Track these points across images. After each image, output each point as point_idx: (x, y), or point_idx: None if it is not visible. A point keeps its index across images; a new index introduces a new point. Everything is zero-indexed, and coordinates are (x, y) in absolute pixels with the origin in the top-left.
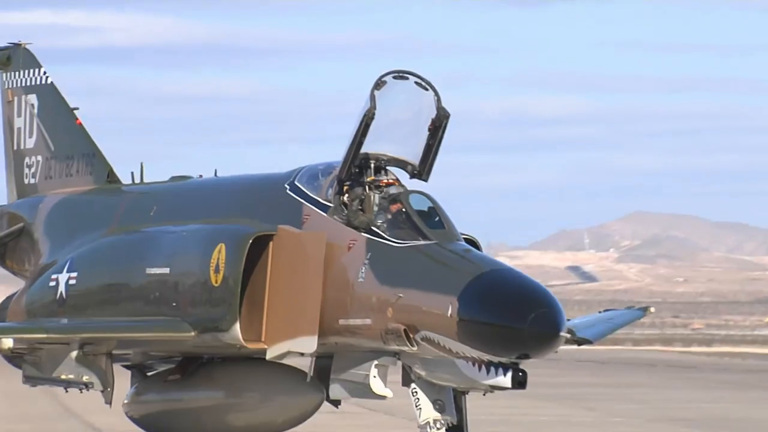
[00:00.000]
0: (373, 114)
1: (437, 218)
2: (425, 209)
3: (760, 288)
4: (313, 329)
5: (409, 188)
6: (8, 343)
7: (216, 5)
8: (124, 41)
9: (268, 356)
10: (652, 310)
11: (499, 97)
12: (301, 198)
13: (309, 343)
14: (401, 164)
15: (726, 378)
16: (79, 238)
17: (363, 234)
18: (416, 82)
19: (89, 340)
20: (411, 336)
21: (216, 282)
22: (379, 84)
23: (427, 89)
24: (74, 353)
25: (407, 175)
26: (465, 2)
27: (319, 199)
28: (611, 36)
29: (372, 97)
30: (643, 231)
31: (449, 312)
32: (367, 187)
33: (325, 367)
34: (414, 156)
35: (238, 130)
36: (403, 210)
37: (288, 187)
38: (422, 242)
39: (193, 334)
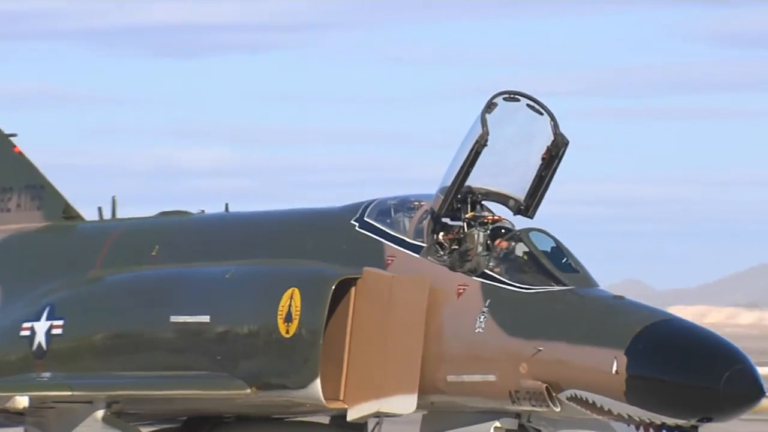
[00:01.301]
0: (486, 141)
1: (565, 259)
2: (548, 249)
3: None
4: (413, 387)
5: (526, 226)
6: (23, 402)
7: None
8: None
9: (350, 417)
10: None
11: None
12: (379, 236)
13: (407, 403)
14: (502, 199)
15: None
16: (47, 283)
17: (474, 278)
18: (529, 105)
19: (119, 398)
20: (554, 395)
21: (287, 333)
22: (490, 106)
23: (541, 113)
24: (100, 413)
25: (509, 212)
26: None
27: (405, 239)
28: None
29: (484, 122)
30: None
31: (614, 368)
32: (466, 225)
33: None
34: (519, 189)
35: None
36: (527, 251)
37: (357, 224)
38: (557, 288)
39: (248, 391)
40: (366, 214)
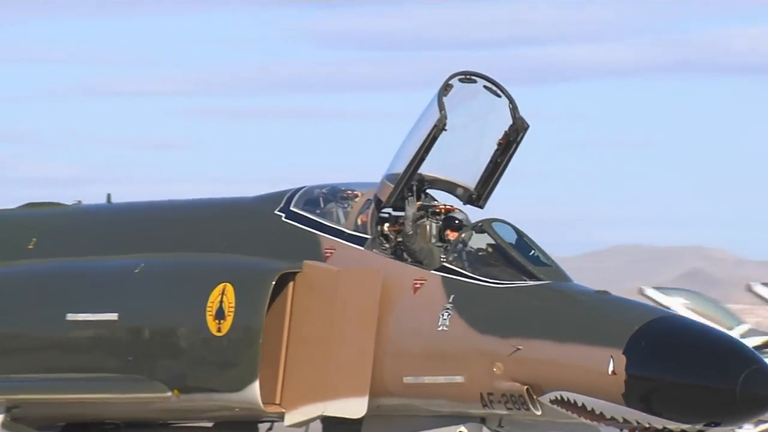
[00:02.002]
0: (445, 125)
1: (533, 252)
2: (513, 241)
3: None
4: (363, 389)
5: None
6: None
7: None
8: None
9: (288, 422)
10: None
11: None
12: (312, 228)
13: (356, 406)
14: (450, 187)
15: None
16: None
17: (433, 272)
18: (486, 87)
19: (19, 403)
20: (535, 397)
21: (218, 331)
22: (446, 88)
23: (499, 96)
24: None
25: (457, 201)
26: None
27: (345, 230)
28: None
29: (441, 105)
30: None
31: (610, 368)
32: (411, 214)
33: None
34: (470, 177)
35: None
36: (492, 243)
37: (283, 214)
38: (532, 282)
39: (169, 394)
40: (292, 204)
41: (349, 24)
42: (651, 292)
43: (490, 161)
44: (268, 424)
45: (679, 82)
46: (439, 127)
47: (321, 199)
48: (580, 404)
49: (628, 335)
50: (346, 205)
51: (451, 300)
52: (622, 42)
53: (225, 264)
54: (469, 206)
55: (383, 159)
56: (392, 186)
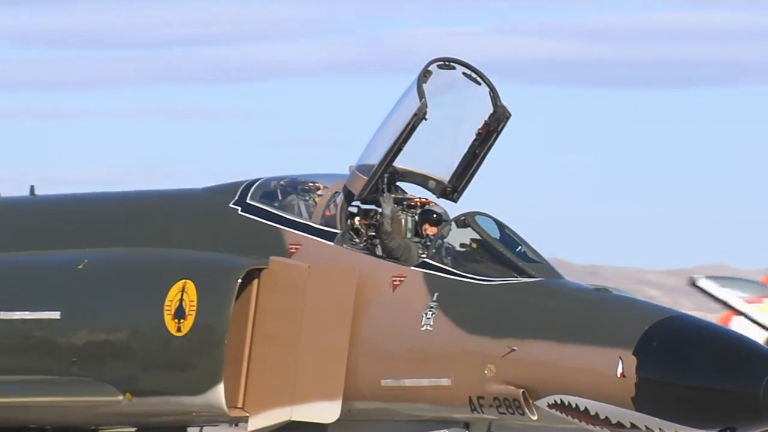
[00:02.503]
0: (425, 114)
1: (520, 248)
2: (498, 236)
3: None
4: (335, 392)
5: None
6: None
7: None
8: None
9: (251, 427)
10: None
11: None
12: (274, 222)
13: (328, 410)
14: (422, 180)
15: None
16: None
17: (413, 269)
18: (465, 74)
19: None
20: (531, 401)
21: (178, 331)
22: (426, 74)
23: (479, 83)
24: None
25: (430, 194)
26: None
27: (311, 224)
28: None
29: (421, 92)
30: None
31: (618, 370)
32: (389, 211)
33: None
34: (445, 169)
35: None
36: (477, 238)
37: (239, 207)
38: (523, 279)
39: (121, 398)
40: (249, 197)
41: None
42: (704, 283)
43: (468, 152)
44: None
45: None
46: (419, 116)
47: (279, 191)
48: (582, 408)
49: (639, 335)
50: (308, 198)
51: (435, 298)
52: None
53: (183, 259)
54: (441, 200)
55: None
56: (366, 178)
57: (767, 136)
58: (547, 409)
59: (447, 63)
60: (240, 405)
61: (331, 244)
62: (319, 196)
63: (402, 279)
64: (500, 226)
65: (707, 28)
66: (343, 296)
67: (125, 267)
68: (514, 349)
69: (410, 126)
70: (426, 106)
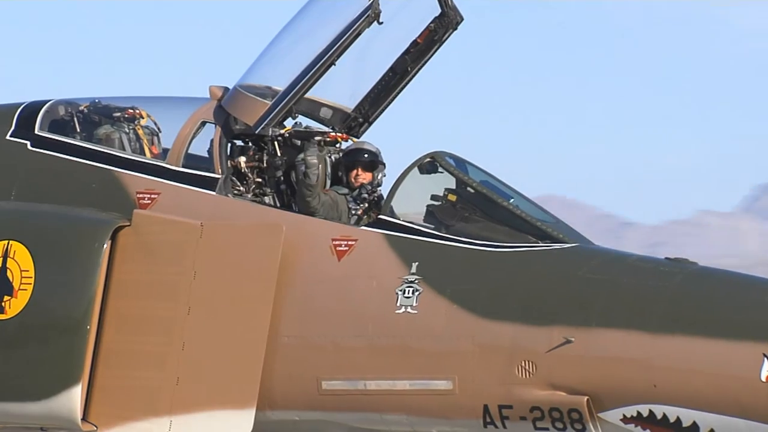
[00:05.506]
0: (379, 13)
1: (512, 200)
2: (490, 186)
3: None
4: (246, 399)
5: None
6: None
7: None
8: None
9: None
10: None
11: None
12: (98, 162)
13: (235, 423)
14: (314, 107)
15: None
16: None
17: (365, 229)
18: None
19: None
20: (595, 413)
21: (2, 312)
22: None
23: None
24: None
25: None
26: None
27: (168, 165)
28: None
29: None
30: None
31: (763, 373)
32: (315, 155)
33: None
34: (351, 95)
35: None
36: (457, 189)
37: (27, 141)
38: (554, 246)
39: None
40: (37, 127)
41: None
42: None
43: (392, 70)
44: None
45: None
46: (370, 17)
47: (84, 120)
48: (687, 424)
49: None
50: (128, 130)
51: (414, 270)
52: None
53: (4, 212)
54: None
55: None
56: (269, 104)
57: None
58: (620, 423)
59: None
60: (83, 416)
61: (210, 192)
62: (144, 127)
63: (350, 243)
64: (479, 170)
65: None
66: (260, 265)
67: None
68: (570, 340)
69: (354, 32)
70: (379, 4)
